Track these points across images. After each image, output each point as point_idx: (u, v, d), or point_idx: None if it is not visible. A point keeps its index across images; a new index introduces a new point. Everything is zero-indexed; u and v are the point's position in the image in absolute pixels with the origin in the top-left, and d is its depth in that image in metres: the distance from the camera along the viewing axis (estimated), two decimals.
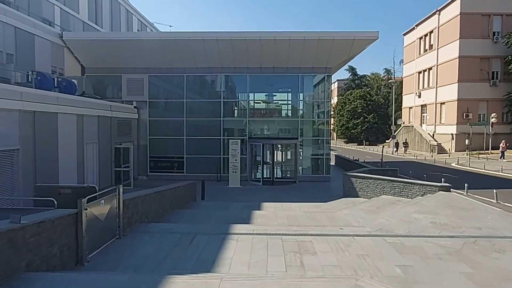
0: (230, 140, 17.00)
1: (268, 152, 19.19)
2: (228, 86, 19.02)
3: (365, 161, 22.87)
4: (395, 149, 36.39)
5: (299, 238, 6.50)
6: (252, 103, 19.26)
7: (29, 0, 16.92)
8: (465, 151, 29.45)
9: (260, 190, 15.96)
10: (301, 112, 19.14)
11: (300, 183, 17.69)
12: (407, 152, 34.77)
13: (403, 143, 36.31)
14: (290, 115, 19.61)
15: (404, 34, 43.34)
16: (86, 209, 5.20)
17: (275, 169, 19.01)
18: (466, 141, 29.91)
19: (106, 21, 23.83)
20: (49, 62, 16.28)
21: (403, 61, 47.65)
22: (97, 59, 17.91)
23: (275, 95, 19.23)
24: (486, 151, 28.47)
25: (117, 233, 6.27)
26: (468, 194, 11.79)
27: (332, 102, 41.96)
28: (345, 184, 13.78)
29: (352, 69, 65.41)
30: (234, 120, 19.54)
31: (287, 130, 19.47)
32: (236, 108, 19.80)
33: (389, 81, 60.54)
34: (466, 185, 11.98)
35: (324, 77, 18.51)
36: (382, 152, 19.87)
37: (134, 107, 18.56)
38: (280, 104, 19.72)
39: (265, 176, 18.27)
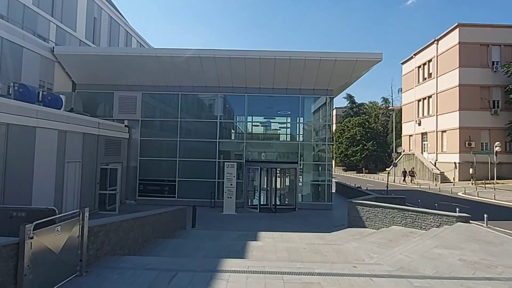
0: (225, 163, 15.90)
1: (266, 177, 18.04)
2: (225, 107, 18.20)
3: (368, 188, 21.68)
4: (402, 178, 34.86)
5: (305, 279, 5.26)
6: (250, 125, 18.36)
7: (23, 15, 16.45)
8: (470, 180, 28.39)
9: (257, 218, 14.65)
10: (301, 135, 18.22)
11: (300, 211, 16.40)
12: (413, 182, 33.09)
13: (409, 172, 34.78)
14: (289, 138, 18.67)
15: (403, 63, 43.68)
16: (32, 238, 4.00)
17: (274, 196, 17.75)
18: (470, 170, 28.94)
19: (104, 40, 23.47)
20: (37, 76, 15.47)
21: (401, 90, 47.76)
22: (88, 75, 17.16)
23: (275, 117, 18.37)
24: (491, 181, 27.43)
25: (77, 269, 5.00)
26: (488, 226, 10.59)
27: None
28: (350, 212, 12.55)
29: (350, 97, 65.80)
30: (231, 143, 18.55)
31: (286, 154, 18.45)
32: (233, 130, 18.88)
33: (389, 108, 60.80)
34: (485, 216, 10.81)
35: (326, 99, 17.78)
36: (388, 180, 18.73)
37: (125, 126, 17.57)
38: (280, 126, 18.83)
39: (262, 202, 17.00)
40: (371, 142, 53.99)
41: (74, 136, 12.80)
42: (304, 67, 16.01)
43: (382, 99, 66.56)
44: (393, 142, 53.10)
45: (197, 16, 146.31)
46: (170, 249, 7.84)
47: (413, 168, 35.54)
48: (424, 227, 10.36)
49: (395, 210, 11.13)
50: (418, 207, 13.13)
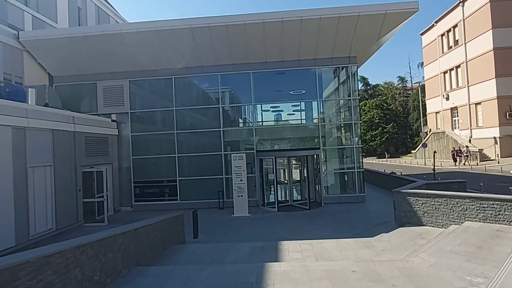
0: (232, 155, 13.05)
1: (283, 168, 15.13)
2: (227, 88, 15.28)
3: (402, 174, 18.47)
4: (455, 160, 28.28)
5: None
6: (258, 108, 15.42)
7: None
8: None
9: (275, 219, 11.78)
10: (321, 116, 15.15)
11: (327, 207, 13.43)
12: (467, 163, 26.64)
13: (463, 151, 28.05)
14: (307, 120, 15.63)
15: (422, 34, 39.66)
16: None
17: (293, 190, 14.85)
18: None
19: None
20: (0, 68, 12.94)
21: (422, 64, 43.75)
22: (65, 65, 14.54)
23: (287, 97, 15.31)
24: None
25: None
26: None
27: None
28: (398, 206, 9.51)
29: (363, 79, 61.76)
30: (237, 130, 15.67)
31: (305, 140, 15.44)
32: (239, 115, 15.97)
33: (407, 87, 56.60)
34: None
35: (348, 69, 14.63)
36: (434, 162, 15.43)
37: (113, 120, 14.92)
38: (294, 107, 15.79)
39: (280, 199, 14.11)
40: (391, 124, 50.12)
41: (39, 134, 10.17)
42: (319, 29, 12.90)
43: (398, 79, 62.37)
44: (416, 121, 49.29)
45: None
46: None
47: (467, 147, 28.87)
48: None
49: (468, 200, 8.04)
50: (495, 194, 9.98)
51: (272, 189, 14.14)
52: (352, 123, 14.72)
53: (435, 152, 19.15)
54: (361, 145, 14.96)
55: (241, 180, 12.72)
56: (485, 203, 7.77)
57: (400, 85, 61.39)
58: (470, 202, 8.00)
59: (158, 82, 15.31)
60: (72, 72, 14.85)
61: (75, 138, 11.86)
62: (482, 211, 7.80)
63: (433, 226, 8.64)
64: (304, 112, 15.69)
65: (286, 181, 14.78)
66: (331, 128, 15.36)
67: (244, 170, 12.75)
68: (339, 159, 15.10)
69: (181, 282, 5.14)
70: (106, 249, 5.15)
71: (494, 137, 27.42)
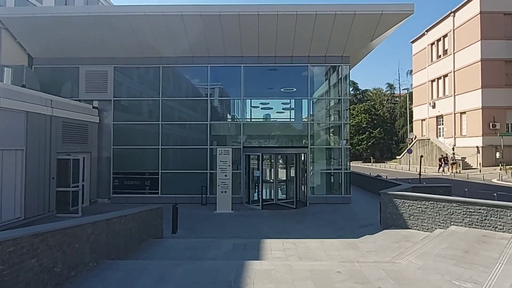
0: (218, 149, 12.63)
1: (269, 166, 14.83)
2: (217, 81, 14.85)
3: (388, 177, 18.48)
4: (440, 167, 28.02)
5: None
6: (248, 103, 15.07)
7: None
8: (496, 165, 25.18)
9: (259, 217, 11.46)
10: (311, 114, 14.92)
11: (312, 206, 13.20)
12: (455, 170, 26.35)
13: (449, 158, 27.62)
14: (296, 118, 15.37)
15: (413, 42, 40.17)
16: None
17: (279, 189, 14.57)
18: (497, 154, 25.77)
19: None
20: None
21: (411, 72, 44.37)
22: (47, 46, 13.78)
23: (278, 93, 15.00)
24: None
25: None
26: None
27: None
28: (384, 208, 9.34)
29: (353, 83, 62.26)
30: (225, 125, 15.27)
31: (293, 138, 15.18)
32: (227, 109, 15.56)
33: (394, 94, 57.38)
34: None
35: (341, 69, 14.45)
36: (420, 167, 15.44)
37: (94, 107, 14.27)
38: (284, 104, 15.50)
39: (265, 197, 13.81)
40: (378, 129, 50.70)
41: (11, 115, 9.51)
42: (315, 25, 12.65)
43: (387, 85, 63.26)
44: (402, 128, 50.00)
45: None
46: (114, 284, 4.60)
47: (454, 153, 28.65)
48: (501, 227, 7.17)
49: (454, 204, 7.91)
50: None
51: (258, 186, 13.80)
52: (341, 124, 14.56)
53: (421, 156, 19.20)
54: (349, 147, 14.79)
55: (225, 176, 12.33)
56: (471, 208, 7.66)
57: (388, 92, 62.29)
58: (456, 207, 7.88)
59: (145, 70, 14.74)
60: (53, 54, 14.10)
61: (52, 123, 11.21)
62: (468, 216, 7.69)
63: (418, 230, 8.49)
64: (293, 110, 15.42)
65: (272, 180, 14.49)
66: (319, 128, 15.15)
67: (229, 165, 12.37)
68: (326, 159, 14.91)
69: (154, 279, 4.73)
70: (71, 239, 4.68)
71: (477, 146, 27.94)
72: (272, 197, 14.17)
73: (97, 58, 14.29)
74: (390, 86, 62.37)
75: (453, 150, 30.47)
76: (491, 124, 27.47)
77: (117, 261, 5.61)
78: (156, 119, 14.43)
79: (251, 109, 15.70)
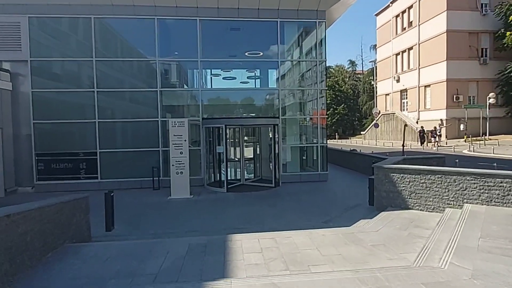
0: (170, 121, 10.11)
1: (235, 141, 12.63)
2: (167, 38, 12.06)
3: (361, 151, 17.18)
4: (424, 140, 25.95)
5: None
6: (206, 65, 12.53)
7: None
8: (463, 137, 25.24)
9: (224, 202, 9.33)
10: (282, 79, 12.79)
11: (286, 186, 11.33)
12: (437, 145, 24.04)
13: (431, 132, 25.15)
14: (265, 84, 13.19)
15: (377, 14, 39.21)
16: None
17: (247, 167, 12.50)
18: (461, 126, 25.83)
19: None
20: None
21: (375, 46, 43.79)
22: None
23: (242, 56, 12.60)
24: (482, 137, 24.44)
25: None
26: None
27: None
28: (379, 185, 7.62)
29: None
30: (180, 93, 12.68)
31: (261, 108, 13.03)
32: (182, 75, 12.90)
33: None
34: None
35: (316, 25, 12.36)
36: (404, 138, 14.14)
37: (4, 70, 10.90)
38: (250, 71, 13.18)
39: (231, 178, 11.69)
40: (342, 105, 50.47)
41: None
42: None
43: (348, 62, 63.12)
44: (365, 104, 50.09)
45: None
46: None
47: (438, 126, 26.14)
48: None
49: (468, 177, 6.35)
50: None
51: (222, 165, 11.58)
52: (317, 91, 12.63)
53: (405, 125, 18.15)
54: (326, 116, 12.99)
55: (181, 153, 9.93)
56: (490, 181, 6.14)
57: (350, 69, 62.19)
58: (471, 180, 6.33)
59: (72, 22, 11.50)
60: None
61: None
62: (486, 191, 6.18)
63: (422, 210, 6.91)
64: (260, 79, 13.21)
65: (238, 158, 12.34)
66: (292, 95, 13.13)
67: (185, 140, 9.96)
68: (299, 133, 13.02)
69: None
70: None
71: (441, 119, 27.96)
72: (239, 177, 12.09)
73: (4, 5, 10.80)
74: (352, 63, 62.32)
75: (417, 123, 30.38)
76: (454, 96, 27.47)
77: None
78: (90, 86, 11.43)
79: (211, 78, 13.29)
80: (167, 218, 7.80)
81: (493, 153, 16.68)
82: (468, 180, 6.37)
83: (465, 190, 6.41)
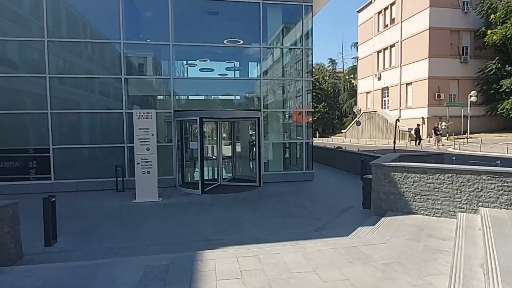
0: (136, 113, 8.67)
1: (211, 135, 11.33)
2: (134, 18, 10.56)
3: (347, 149, 16.31)
4: (413, 139, 24.68)
5: None
6: (181, 54, 11.13)
7: None
8: (446, 136, 25.04)
9: (198, 206, 8.03)
10: (264, 68, 11.60)
11: (269, 187, 10.17)
12: (440, 143, 22.02)
13: (434, 128, 22.87)
14: (244, 73, 11.98)
15: (359, 11, 38.83)
16: None
17: (224, 166, 11.22)
18: (443, 124, 25.65)
19: None
20: None
21: (356, 44, 43.56)
22: None
23: (221, 40, 11.30)
24: (463, 135, 24.36)
25: None
26: None
27: None
28: (377, 186, 6.58)
29: None
30: (149, 81, 11.20)
31: (241, 101, 11.79)
32: (151, 59, 11.42)
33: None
34: None
35: (301, 9, 11.26)
36: (395, 134, 13.28)
37: None
38: (229, 63, 11.90)
39: (207, 178, 10.37)
40: (322, 104, 50.07)
41: None
42: None
43: (329, 61, 62.95)
44: (345, 102, 49.91)
45: None
46: None
47: (441, 121, 24.45)
48: None
49: (485, 177, 5.41)
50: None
51: (196, 164, 10.23)
52: (302, 81, 11.53)
53: (397, 120, 17.35)
54: (312, 110, 11.91)
55: (147, 149, 8.53)
56: (511, 181, 5.22)
57: (330, 68, 62.13)
58: (488, 180, 5.40)
59: None
60: None
61: None
62: (506, 193, 5.25)
63: (428, 215, 5.93)
64: (240, 71, 11.97)
65: (215, 156, 11.02)
66: (275, 86, 11.97)
67: (152, 135, 8.56)
68: (283, 128, 11.88)
69: None
70: None
71: (422, 117, 27.78)
72: (216, 177, 10.80)
73: None
74: (332, 61, 62.34)
75: (398, 121, 30.04)
76: (436, 94, 27.35)
77: None
78: (40, 71, 9.74)
79: (187, 68, 11.94)
80: (127, 227, 6.41)
81: (480, 151, 16.29)
82: (484, 179, 5.43)
83: (480, 191, 5.47)
